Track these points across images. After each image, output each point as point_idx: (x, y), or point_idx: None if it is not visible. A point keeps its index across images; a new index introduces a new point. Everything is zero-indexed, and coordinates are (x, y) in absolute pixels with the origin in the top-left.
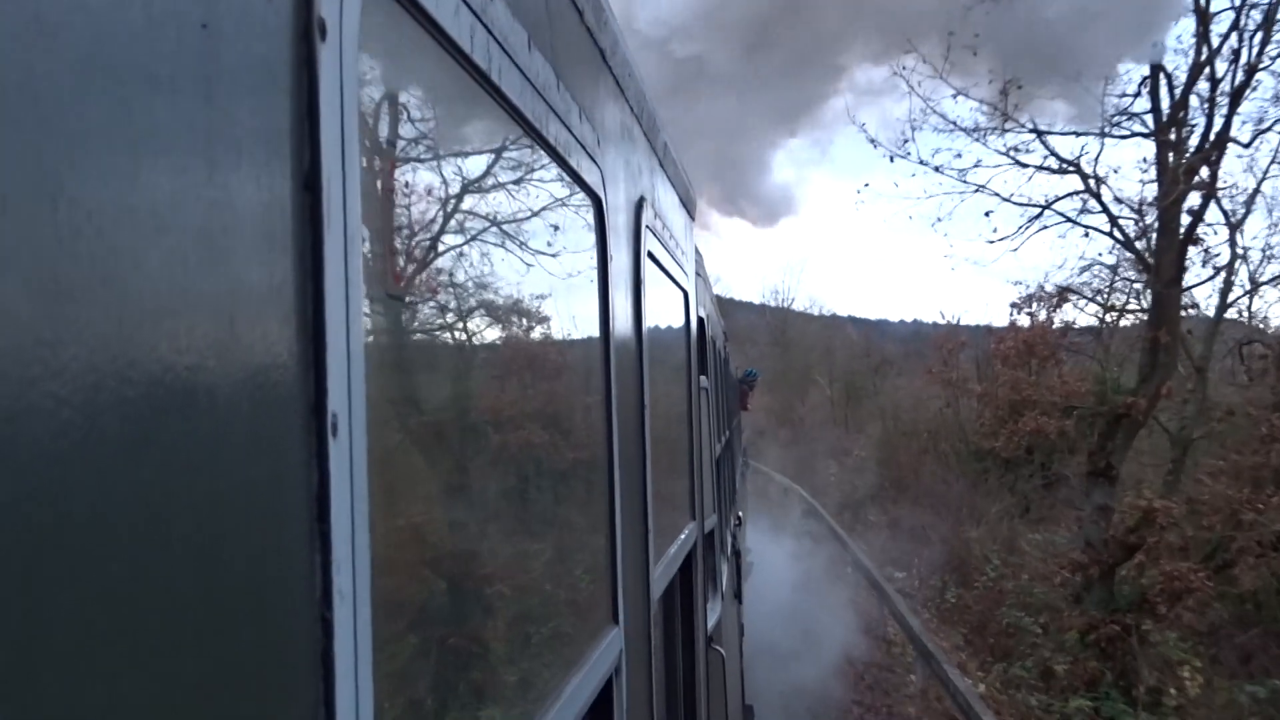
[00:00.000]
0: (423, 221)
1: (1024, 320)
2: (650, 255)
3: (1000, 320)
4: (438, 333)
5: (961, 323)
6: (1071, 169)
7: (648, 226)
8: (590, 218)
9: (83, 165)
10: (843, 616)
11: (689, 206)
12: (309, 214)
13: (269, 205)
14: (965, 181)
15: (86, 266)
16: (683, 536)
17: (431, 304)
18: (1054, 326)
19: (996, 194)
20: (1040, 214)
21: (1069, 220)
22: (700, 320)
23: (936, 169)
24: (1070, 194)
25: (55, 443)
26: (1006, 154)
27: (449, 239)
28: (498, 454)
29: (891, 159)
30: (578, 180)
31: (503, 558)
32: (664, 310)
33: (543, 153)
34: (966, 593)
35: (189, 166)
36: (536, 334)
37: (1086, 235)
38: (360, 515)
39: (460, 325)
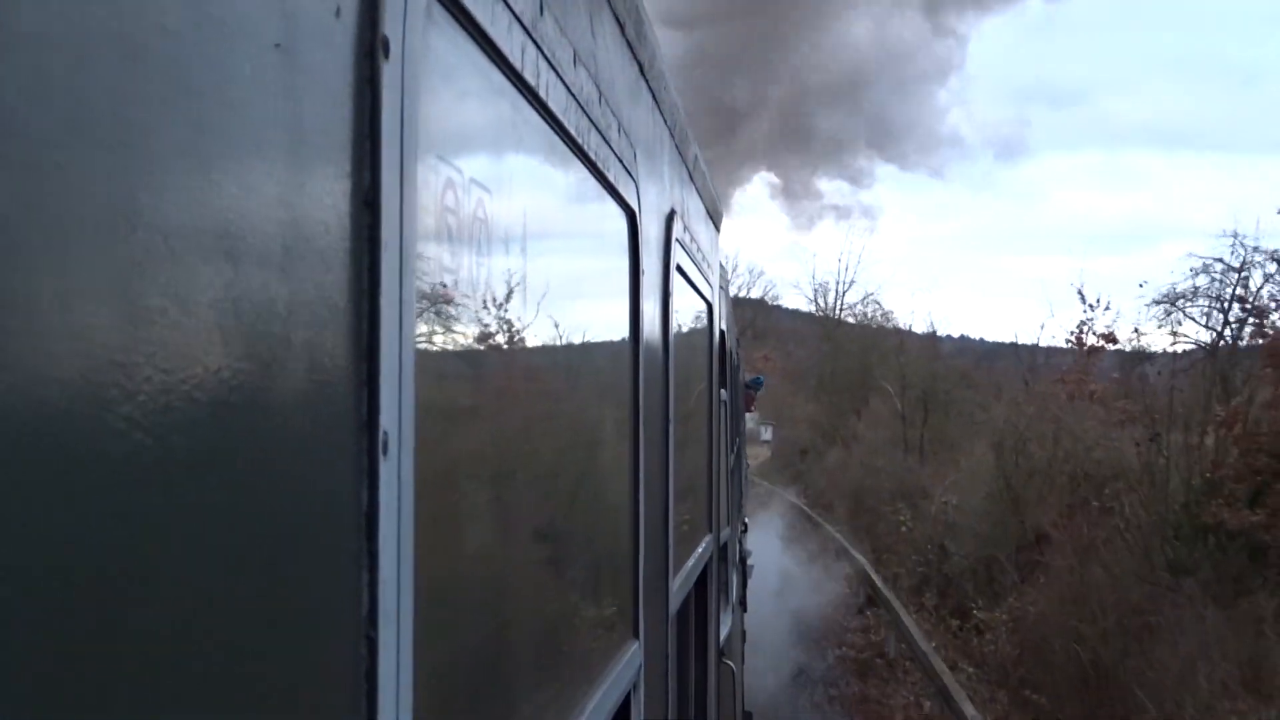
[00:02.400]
0: (474, 239)
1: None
2: (679, 268)
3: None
4: (485, 351)
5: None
6: None
7: (677, 239)
8: (625, 230)
9: (160, 188)
10: None
11: (715, 218)
12: (368, 232)
13: (330, 224)
14: None
15: (160, 289)
16: (700, 549)
17: (481, 323)
18: None
19: None
20: None
21: None
22: (722, 333)
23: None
24: None
25: (127, 465)
26: None
27: (497, 257)
28: (536, 474)
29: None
30: (614, 193)
31: (536, 577)
32: (690, 322)
33: (584, 167)
34: None
35: (258, 187)
36: (575, 348)
37: None
38: (406, 536)
39: (505, 343)
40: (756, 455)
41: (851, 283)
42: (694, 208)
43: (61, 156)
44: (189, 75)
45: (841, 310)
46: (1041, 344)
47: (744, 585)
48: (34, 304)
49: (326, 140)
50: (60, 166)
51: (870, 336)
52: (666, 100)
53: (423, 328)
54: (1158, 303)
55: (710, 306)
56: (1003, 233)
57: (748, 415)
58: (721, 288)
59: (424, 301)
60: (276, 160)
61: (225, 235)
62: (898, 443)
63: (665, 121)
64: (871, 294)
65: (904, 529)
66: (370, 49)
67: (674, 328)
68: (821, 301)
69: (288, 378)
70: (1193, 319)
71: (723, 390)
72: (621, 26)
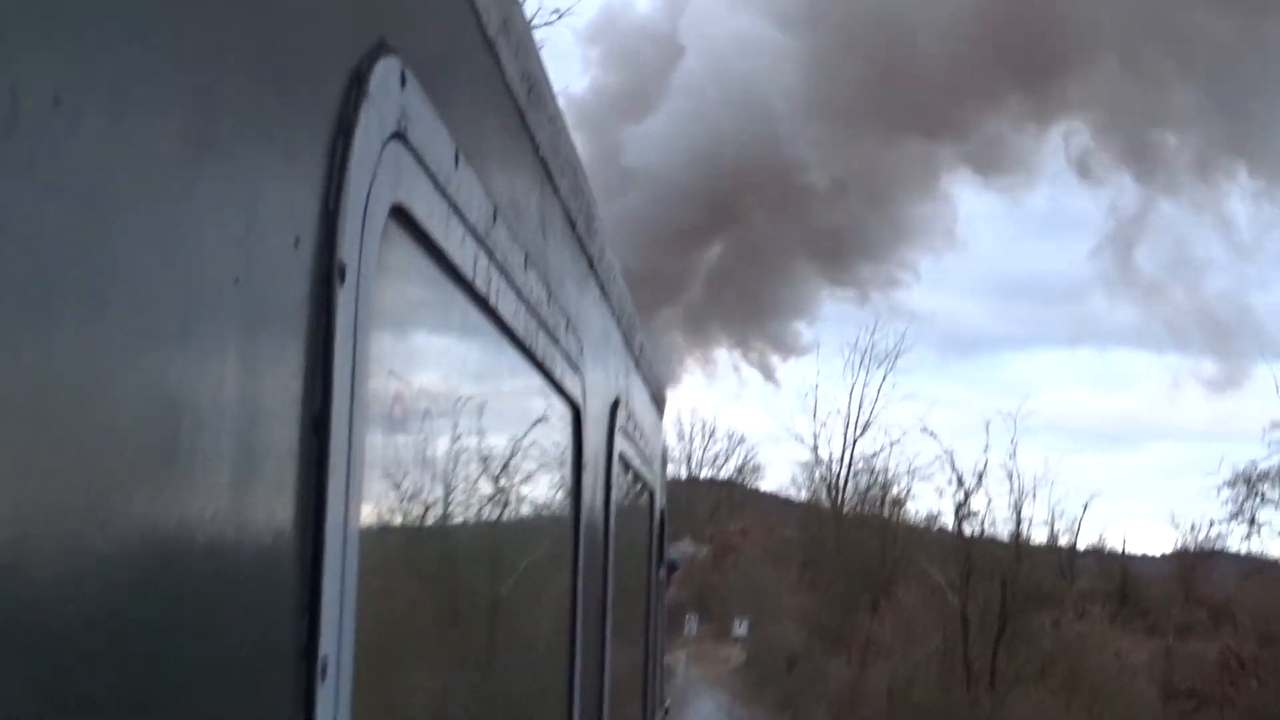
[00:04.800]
0: (421, 450)
1: None
2: (621, 456)
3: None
4: (430, 567)
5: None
6: None
7: (621, 428)
8: (569, 424)
9: (113, 426)
10: None
11: (659, 403)
12: (315, 457)
13: (280, 451)
14: None
15: (106, 517)
16: None
17: (426, 539)
18: None
19: None
20: None
21: None
22: (662, 513)
23: None
24: None
25: (67, 688)
26: None
27: (444, 465)
28: (478, 691)
29: None
30: (560, 391)
31: None
32: (631, 508)
33: (531, 368)
34: None
35: (210, 422)
36: (519, 549)
37: None
38: None
39: (451, 556)
40: (725, 658)
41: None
42: (639, 394)
43: (21, 400)
44: (148, 315)
45: (844, 489)
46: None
47: None
48: None
49: (279, 368)
50: (17, 403)
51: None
52: (615, 291)
53: (368, 550)
54: (1231, 484)
55: (651, 493)
56: (981, 428)
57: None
58: (662, 469)
59: (370, 526)
60: (228, 391)
61: (173, 464)
62: (953, 663)
63: (613, 312)
64: (890, 446)
65: None
66: (326, 275)
67: (614, 517)
68: (820, 475)
69: (229, 603)
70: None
71: (661, 572)
72: (572, 224)
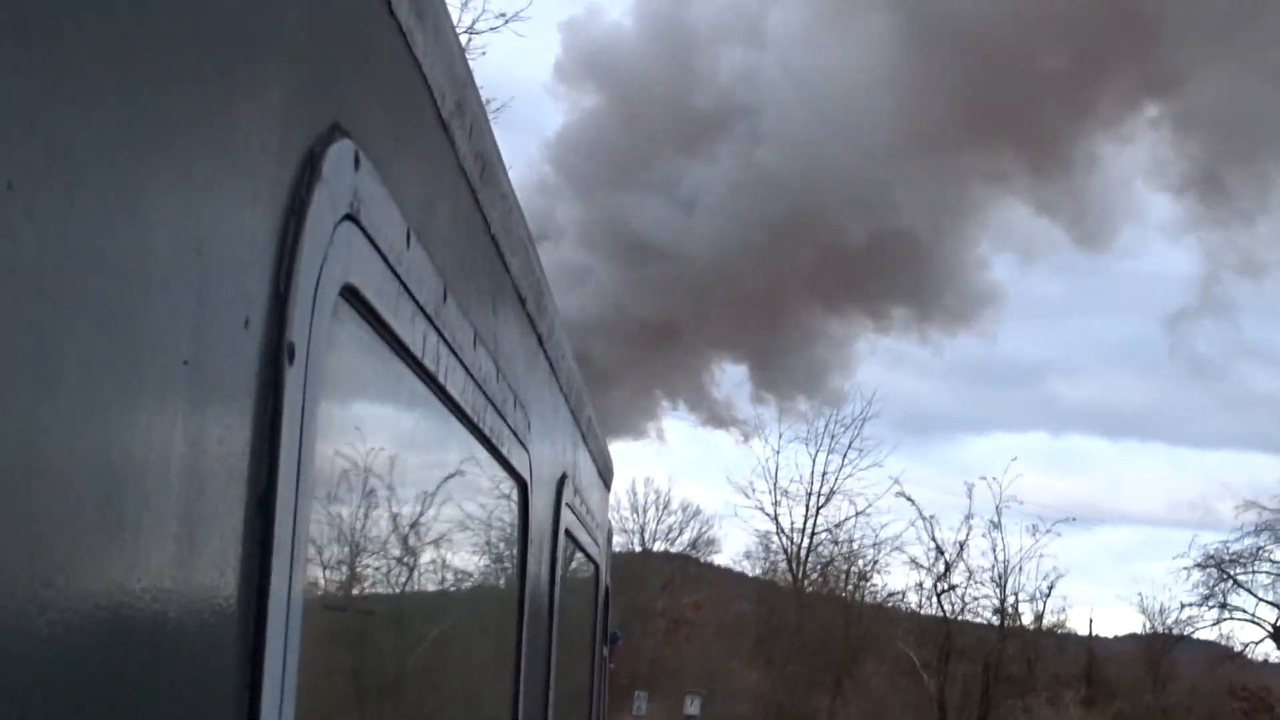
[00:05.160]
0: (368, 532)
1: None
2: (568, 532)
3: None
4: (373, 646)
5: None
6: None
7: (567, 504)
8: (515, 501)
9: (55, 522)
10: None
11: (606, 477)
12: (259, 535)
13: (224, 530)
14: None
15: (66, 602)
16: None
17: (369, 618)
18: None
19: None
20: None
21: None
22: (607, 589)
23: None
24: None
25: None
26: None
27: (390, 541)
28: None
29: None
30: (507, 467)
31: None
32: (576, 583)
33: (479, 444)
34: None
35: (154, 504)
36: (462, 624)
37: None
38: None
39: (394, 635)
40: None
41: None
42: (586, 469)
43: None
44: (96, 396)
45: (806, 562)
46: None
47: None
48: None
49: (226, 448)
50: None
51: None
52: (564, 367)
53: (311, 627)
54: (1202, 566)
55: (597, 566)
56: (945, 507)
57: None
58: (607, 543)
59: (313, 602)
60: (174, 471)
61: (117, 543)
62: None
63: (561, 388)
64: (855, 516)
65: None
66: (275, 355)
67: (559, 592)
68: (780, 545)
69: (172, 680)
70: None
71: (605, 649)
72: (522, 301)
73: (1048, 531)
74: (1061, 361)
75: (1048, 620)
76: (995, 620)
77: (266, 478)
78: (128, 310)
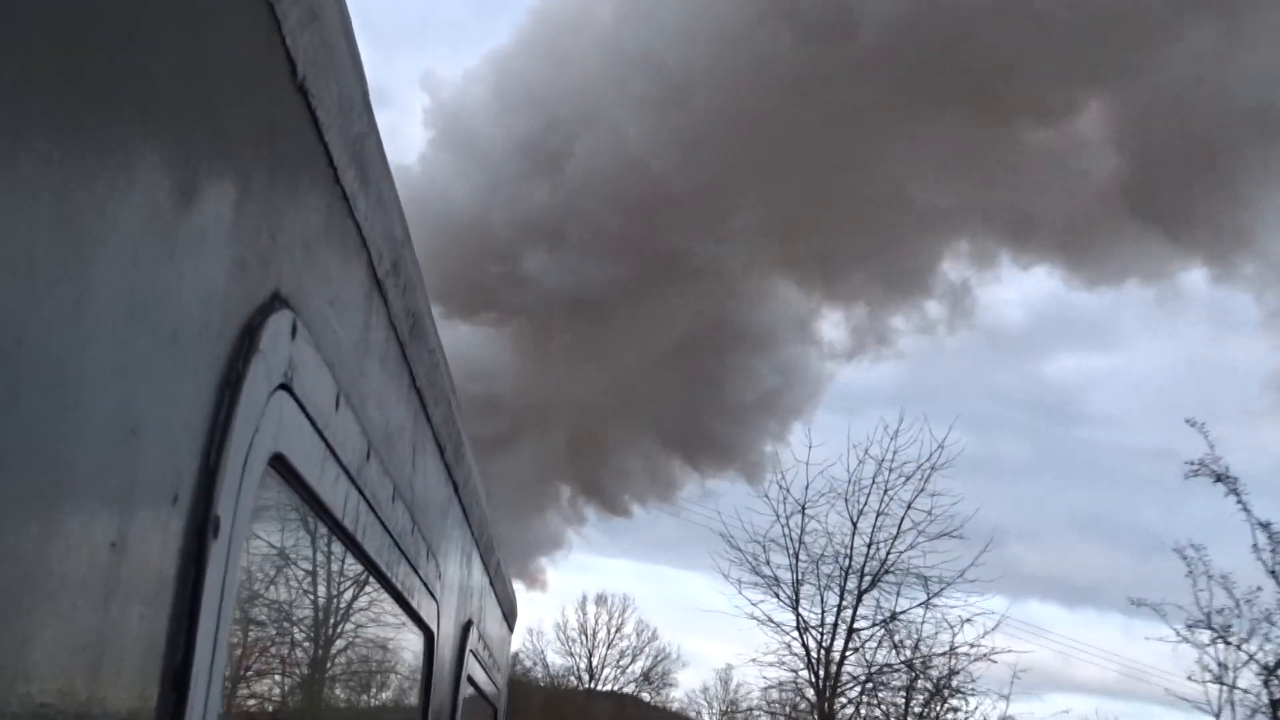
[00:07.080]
0: (282, 694)
1: None
2: (470, 678)
3: None
4: None
5: None
6: None
7: (471, 650)
8: (422, 650)
9: None
10: None
11: (510, 618)
12: (172, 712)
13: (134, 708)
14: None
15: None
16: None
17: None
18: None
19: None
20: None
21: None
22: None
23: None
24: None
25: None
26: None
27: (303, 708)
28: None
29: None
30: (415, 618)
31: None
32: None
33: (390, 599)
34: None
35: (68, 681)
36: None
37: None
38: None
39: None
40: None
41: None
42: (491, 613)
43: None
44: (19, 575)
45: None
46: None
47: None
48: None
49: (145, 625)
50: None
51: None
52: (476, 514)
53: None
54: None
55: (496, 710)
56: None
57: None
58: (505, 681)
59: None
60: (89, 649)
61: None
62: None
63: (473, 534)
64: None
65: None
66: (200, 530)
67: None
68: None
69: None
70: None
71: None
72: (442, 450)
73: (1004, 697)
74: (1023, 527)
75: None
76: None
77: (184, 653)
78: (59, 499)
